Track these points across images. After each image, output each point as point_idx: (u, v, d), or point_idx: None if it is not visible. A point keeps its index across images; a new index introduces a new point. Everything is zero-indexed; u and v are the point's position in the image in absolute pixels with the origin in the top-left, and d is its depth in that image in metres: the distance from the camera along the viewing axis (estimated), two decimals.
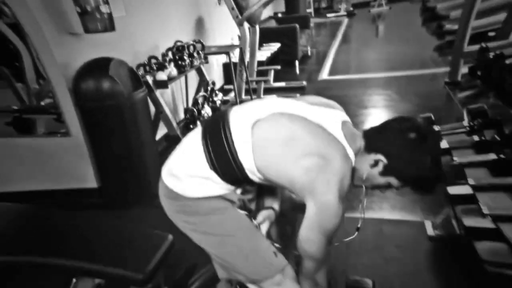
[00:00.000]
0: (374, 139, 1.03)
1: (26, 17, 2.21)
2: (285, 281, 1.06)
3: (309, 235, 0.98)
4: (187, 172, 1.07)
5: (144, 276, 1.31)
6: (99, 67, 2.34)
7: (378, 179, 1.04)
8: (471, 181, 1.49)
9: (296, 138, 0.98)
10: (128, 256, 1.41)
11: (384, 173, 1.02)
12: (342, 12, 13.03)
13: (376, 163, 1.02)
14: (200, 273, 1.47)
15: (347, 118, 1.10)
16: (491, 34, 5.31)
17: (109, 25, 2.47)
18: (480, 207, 1.35)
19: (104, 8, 2.38)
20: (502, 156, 1.53)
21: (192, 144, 1.08)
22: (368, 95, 4.71)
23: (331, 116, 1.05)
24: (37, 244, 1.36)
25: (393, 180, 1.02)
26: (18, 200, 2.52)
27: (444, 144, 1.76)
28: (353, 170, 1.06)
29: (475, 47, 4.01)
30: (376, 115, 4.10)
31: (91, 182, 2.65)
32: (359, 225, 1.13)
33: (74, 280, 1.37)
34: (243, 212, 1.11)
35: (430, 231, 2.03)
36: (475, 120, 1.85)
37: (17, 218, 1.54)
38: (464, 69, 4.30)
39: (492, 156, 1.59)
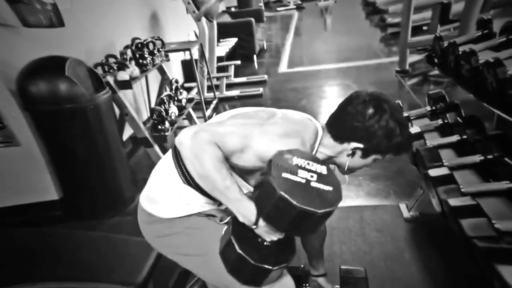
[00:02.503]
0: (339, 130, 1.04)
1: None
2: None
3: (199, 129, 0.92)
4: (163, 192, 1.06)
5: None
6: (51, 66, 2.10)
7: (362, 162, 1.06)
8: (446, 163, 1.59)
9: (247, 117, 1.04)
10: (116, 269, 1.32)
11: (365, 155, 1.04)
12: (292, 6, 13.26)
13: (353, 152, 1.03)
14: (196, 278, 1.40)
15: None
16: (424, 28, 5.83)
17: (56, 20, 2.20)
18: (458, 186, 1.43)
19: None
20: (464, 136, 1.64)
21: (165, 164, 1.09)
22: (328, 85, 4.85)
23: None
24: (17, 270, 1.22)
25: (376, 156, 1.04)
26: None
27: (416, 128, 1.85)
28: (336, 164, 1.11)
29: (417, 38, 4.60)
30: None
31: (50, 194, 2.42)
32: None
33: None
34: (223, 225, 1.04)
35: (405, 213, 2.14)
36: (437, 105, 1.96)
37: None
38: (410, 58, 4.75)
39: (456, 137, 1.70)
